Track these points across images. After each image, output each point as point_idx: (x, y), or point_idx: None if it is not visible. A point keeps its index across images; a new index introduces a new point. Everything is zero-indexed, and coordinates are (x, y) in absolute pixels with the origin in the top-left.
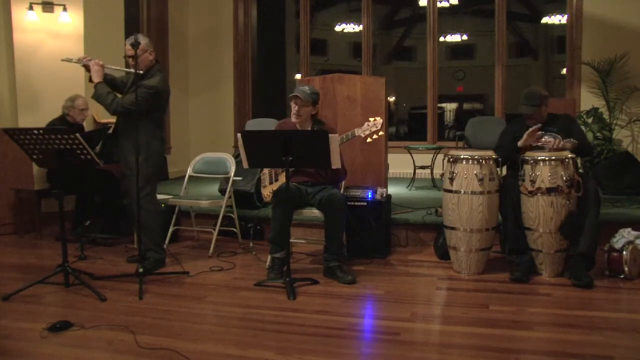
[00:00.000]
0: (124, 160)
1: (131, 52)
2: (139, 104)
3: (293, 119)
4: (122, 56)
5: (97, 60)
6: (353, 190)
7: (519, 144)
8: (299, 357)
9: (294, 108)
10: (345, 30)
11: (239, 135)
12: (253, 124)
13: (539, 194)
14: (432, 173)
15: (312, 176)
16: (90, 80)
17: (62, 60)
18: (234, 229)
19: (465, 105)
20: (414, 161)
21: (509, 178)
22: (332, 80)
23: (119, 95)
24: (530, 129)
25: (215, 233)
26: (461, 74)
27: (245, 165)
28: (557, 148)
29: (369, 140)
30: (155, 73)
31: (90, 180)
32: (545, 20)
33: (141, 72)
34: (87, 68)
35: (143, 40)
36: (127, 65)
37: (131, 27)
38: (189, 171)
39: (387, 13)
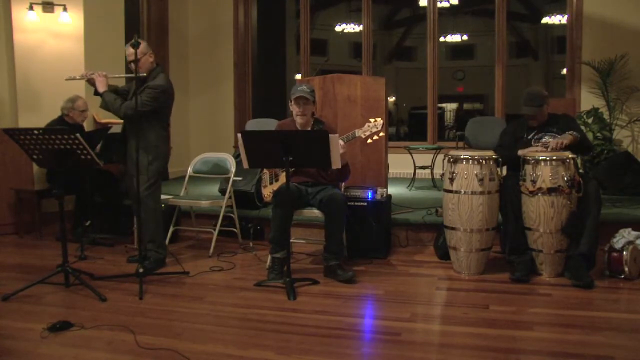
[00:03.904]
0: (130, 161)
1: (132, 56)
2: (146, 104)
3: (298, 119)
4: (122, 57)
5: (100, 72)
6: (353, 190)
7: (520, 153)
8: (299, 357)
9: (297, 109)
10: (345, 30)
11: (239, 135)
12: (253, 124)
13: (539, 194)
14: (432, 173)
15: (314, 176)
16: (95, 93)
17: (66, 79)
18: (234, 229)
19: (465, 105)
20: (414, 161)
21: (509, 178)
22: (332, 80)
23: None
24: (533, 149)
25: (216, 233)
26: (461, 74)
27: (245, 165)
28: (559, 148)
29: (369, 141)
30: (158, 74)
31: (90, 180)
32: (545, 20)
33: (144, 74)
34: (91, 82)
35: (142, 43)
36: (129, 72)
37: (131, 27)
38: (189, 171)
39: (387, 13)
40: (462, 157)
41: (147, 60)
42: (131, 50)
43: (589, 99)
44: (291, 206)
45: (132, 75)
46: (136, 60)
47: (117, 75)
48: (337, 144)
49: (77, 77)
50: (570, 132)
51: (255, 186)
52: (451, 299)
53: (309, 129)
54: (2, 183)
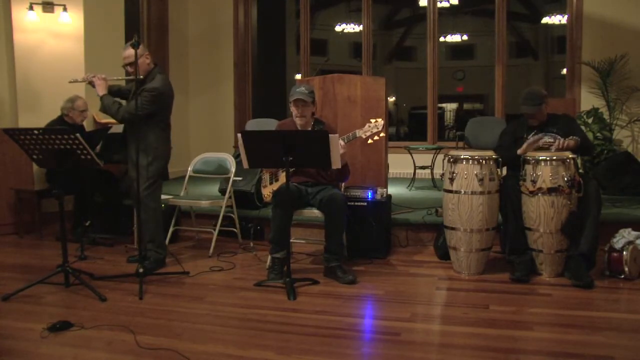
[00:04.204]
0: (130, 162)
1: (128, 59)
2: (142, 107)
3: (298, 121)
4: (121, 57)
5: (100, 75)
6: (353, 190)
7: (519, 151)
8: (299, 357)
9: (296, 110)
10: (345, 30)
11: (239, 135)
12: (253, 124)
13: (539, 194)
14: (432, 173)
15: (314, 176)
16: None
17: (70, 82)
18: (234, 229)
19: (465, 105)
20: (414, 161)
21: (509, 178)
22: (332, 81)
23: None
24: (531, 139)
25: (216, 233)
26: (461, 74)
27: (245, 165)
28: (561, 148)
29: (370, 141)
30: (155, 76)
31: (90, 180)
32: (545, 20)
33: (141, 77)
34: (93, 84)
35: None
36: (127, 74)
37: (131, 27)
38: (189, 171)
39: (387, 13)
40: (462, 157)
41: (143, 62)
42: (128, 52)
43: (589, 99)
44: (291, 206)
45: (130, 77)
46: (135, 62)
47: (115, 78)
48: (337, 144)
49: (79, 80)
50: (571, 138)
51: (255, 186)
52: (451, 299)
53: (309, 129)
54: (2, 183)
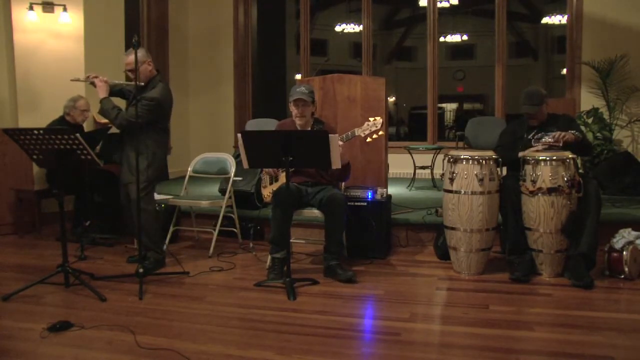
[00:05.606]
0: (127, 165)
1: (130, 66)
2: (140, 116)
3: (297, 121)
4: (122, 60)
5: (101, 77)
6: (353, 190)
7: (521, 154)
8: (299, 357)
9: (296, 110)
10: (345, 31)
11: (239, 135)
12: (253, 124)
13: (539, 194)
14: (432, 173)
15: (314, 176)
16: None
17: (72, 80)
18: (234, 229)
19: (465, 105)
20: (414, 161)
21: (509, 178)
22: (332, 80)
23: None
24: (536, 149)
25: (216, 233)
26: (461, 74)
27: (245, 165)
28: (560, 140)
29: (368, 140)
30: (157, 84)
31: (90, 180)
32: (545, 20)
33: (142, 84)
34: (94, 85)
35: (140, 51)
36: (128, 77)
37: (131, 27)
38: (189, 171)
39: (387, 13)
40: (462, 157)
41: (145, 68)
42: (130, 58)
43: (589, 99)
44: (291, 206)
45: (131, 83)
46: (135, 63)
47: (116, 82)
48: (337, 144)
49: (82, 79)
50: (572, 132)
51: (255, 186)
52: (451, 299)
53: (309, 129)
54: (2, 183)
